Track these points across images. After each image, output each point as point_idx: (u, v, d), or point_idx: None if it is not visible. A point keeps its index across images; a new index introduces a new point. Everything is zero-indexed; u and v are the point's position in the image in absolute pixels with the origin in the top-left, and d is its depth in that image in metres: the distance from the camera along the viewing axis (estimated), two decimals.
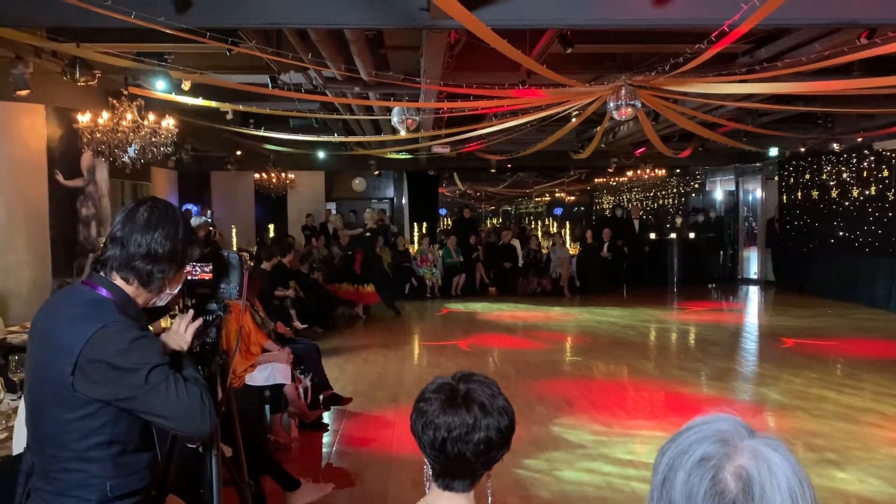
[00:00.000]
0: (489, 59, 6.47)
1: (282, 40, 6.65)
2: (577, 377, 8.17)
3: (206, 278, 2.24)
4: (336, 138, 11.60)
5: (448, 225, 21.19)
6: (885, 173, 12.58)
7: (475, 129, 9.35)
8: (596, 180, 23.85)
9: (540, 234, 18.86)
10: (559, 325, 11.85)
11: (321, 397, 6.16)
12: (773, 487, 0.89)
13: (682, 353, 10.17)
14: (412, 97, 8.29)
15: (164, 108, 8.67)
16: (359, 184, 18.22)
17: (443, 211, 28.96)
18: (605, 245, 15.83)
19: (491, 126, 9.09)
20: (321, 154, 14.50)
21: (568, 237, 17.17)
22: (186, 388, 1.90)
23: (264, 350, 5.72)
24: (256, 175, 16.10)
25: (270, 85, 7.21)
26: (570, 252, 16.18)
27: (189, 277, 2.24)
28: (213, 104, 8.09)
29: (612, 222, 17.41)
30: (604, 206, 26.37)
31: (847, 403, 6.69)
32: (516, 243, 16.44)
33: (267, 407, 5.67)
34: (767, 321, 12.55)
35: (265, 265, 8.30)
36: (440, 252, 15.33)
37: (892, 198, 12.38)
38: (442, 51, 5.80)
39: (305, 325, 9.51)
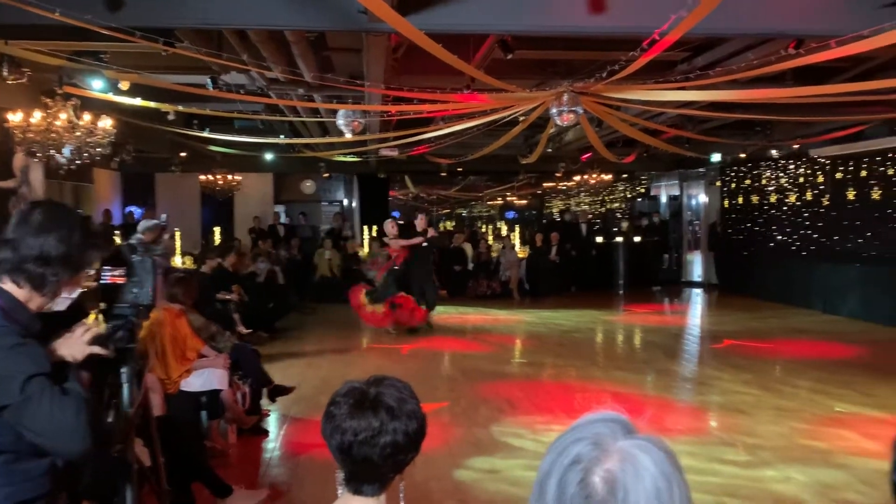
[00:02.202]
0: (434, 63, 6.48)
1: (222, 41, 6.56)
2: (522, 379, 8.24)
3: (119, 282, 2.19)
4: (283, 140, 11.48)
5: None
6: (820, 179, 13.01)
7: (422, 133, 9.36)
8: (545, 185, 24.10)
9: (491, 237, 18.97)
10: (507, 328, 11.92)
11: (265, 391, 6.12)
12: (636, 490, 0.90)
13: (626, 354, 10.34)
14: (358, 100, 8.26)
15: (102, 107, 8.47)
16: (308, 186, 18.07)
17: (396, 214, 28.87)
18: (554, 248, 16.01)
19: (437, 129, 9.12)
20: (269, 156, 14.34)
21: (517, 240, 17.29)
22: (62, 404, 1.83)
23: (201, 355, 5.63)
24: (202, 177, 15.83)
25: (211, 85, 7.10)
26: (520, 255, 16.31)
27: (102, 282, 2.19)
28: (153, 104, 7.93)
29: (561, 226, 17.62)
30: (554, 210, 26.66)
31: (782, 404, 6.87)
32: (467, 247, 16.51)
33: (204, 413, 5.57)
34: (709, 323, 12.85)
35: (204, 268, 8.16)
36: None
37: (826, 203, 12.80)
38: (383, 54, 5.80)
39: (250, 330, 9.38)
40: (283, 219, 17.88)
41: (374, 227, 16.14)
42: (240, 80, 7.75)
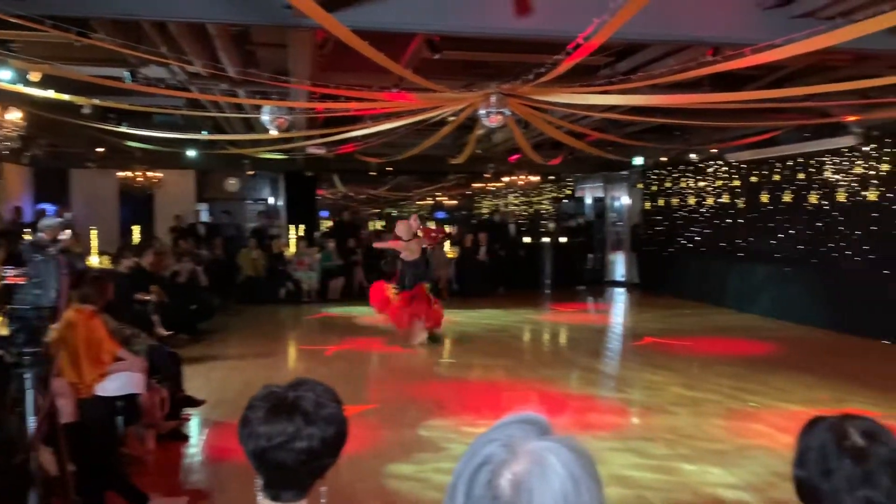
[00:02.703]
0: (362, 61, 6.42)
1: (140, 32, 6.32)
2: (450, 379, 8.26)
3: (20, 282, 2.06)
4: (205, 136, 11.17)
5: (328, 227, 20.91)
6: (736, 182, 13.54)
7: (349, 131, 9.26)
8: (475, 185, 24.27)
9: None
10: None
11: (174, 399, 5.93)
12: (542, 492, 0.89)
13: (552, 353, 10.52)
14: (283, 96, 8.11)
15: (11, 99, 8.04)
16: (233, 184, 17.64)
17: (325, 213, 28.52)
18: (483, 249, 16.13)
19: (365, 128, 9.04)
20: (191, 152, 13.91)
21: (447, 241, 17.34)
22: None
23: (118, 358, 5.40)
24: (121, 173, 15.25)
25: (129, 79, 6.83)
26: (449, 255, 16.36)
27: (3, 282, 2.07)
28: (66, 97, 7.57)
29: (490, 226, 17.78)
30: (483, 210, 26.90)
31: (701, 399, 7.10)
32: None
33: (120, 418, 5.35)
34: (631, 322, 13.20)
35: (121, 268, 7.86)
36: (319, 255, 15.09)
37: (741, 205, 13.34)
38: (309, 50, 5.70)
39: (170, 333, 9.09)
40: (204, 217, 17.39)
41: (302, 226, 15.91)
42: (160, 73, 7.48)
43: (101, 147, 13.58)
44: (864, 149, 10.43)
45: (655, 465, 5.30)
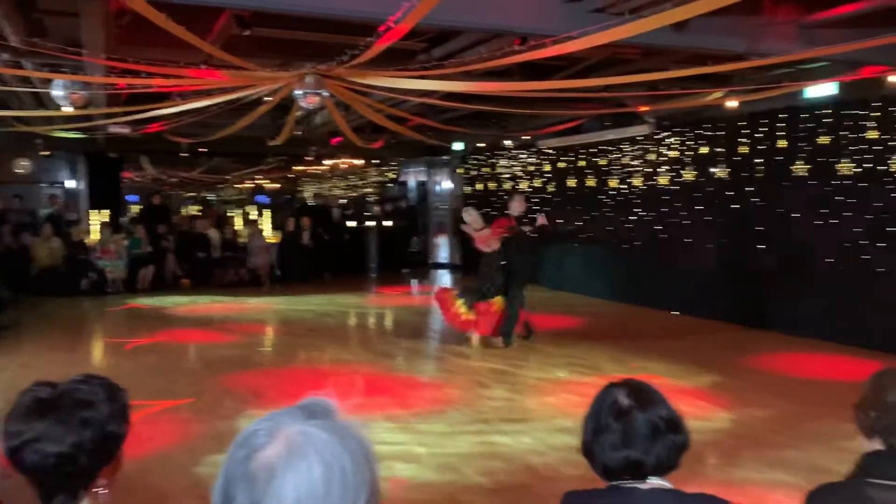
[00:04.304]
0: (166, 35, 6.02)
1: None
2: (270, 368, 8.07)
3: None
4: None
5: (135, 213, 19.55)
6: (547, 168, 14.33)
7: (155, 109, 8.68)
8: (296, 168, 23.78)
9: (240, 222, 18.31)
10: (255, 316, 11.59)
11: None
12: (285, 475, 0.87)
13: (377, 336, 10.59)
14: (77, 69, 7.43)
15: None
16: (24, 166, 15.95)
17: (134, 198, 26.66)
18: (306, 233, 15.85)
19: (172, 106, 8.52)
20: None
21: (269, 225, 16.85)
22: None
23: None
24: None
25: None
26: (270, 241, 15.92)
27: None
28: None
29: (313, 210, 17.51)
30: (307, 194, 26.49)
31: (516, 373, 7.51)
32: (213, 232, 15.72)
33: None
34: None
35: None
36: (126, 242, 14.07)
37: (551, 189, 14.14)
38: (102, 20, 5.26)
39: None
40: None
41: (106, 211, 14.76)
42: None
43: None
44: (655, 137, 11.41)
45: (470, 437, 5.51)
